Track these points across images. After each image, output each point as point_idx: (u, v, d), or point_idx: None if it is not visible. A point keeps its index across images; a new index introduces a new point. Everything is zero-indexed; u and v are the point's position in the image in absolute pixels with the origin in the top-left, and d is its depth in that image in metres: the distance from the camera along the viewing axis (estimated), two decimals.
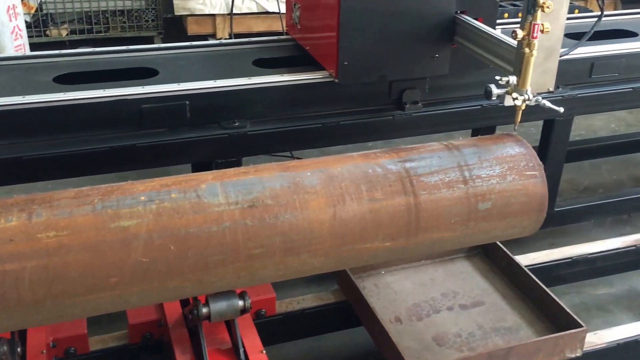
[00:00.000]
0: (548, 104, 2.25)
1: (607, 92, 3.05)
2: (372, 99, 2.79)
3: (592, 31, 2.51)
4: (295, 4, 2.96)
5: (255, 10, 5.83)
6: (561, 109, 2.28)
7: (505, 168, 2.16)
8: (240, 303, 2.14)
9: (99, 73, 2.77)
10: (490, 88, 2.19)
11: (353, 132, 2.79)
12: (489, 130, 3.35)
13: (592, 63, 3.00)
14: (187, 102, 2.56)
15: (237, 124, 2.64)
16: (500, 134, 2.32)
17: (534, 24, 2.07)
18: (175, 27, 6.19)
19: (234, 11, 5.75)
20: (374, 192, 2.04)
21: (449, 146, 2.21)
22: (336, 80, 2.62)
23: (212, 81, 2.61)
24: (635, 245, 2.92)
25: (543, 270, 2.81)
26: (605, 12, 3.53)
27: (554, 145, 3.09)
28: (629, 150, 4.07)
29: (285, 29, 3.18)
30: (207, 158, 2.68)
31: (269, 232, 1.94)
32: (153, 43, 6.15)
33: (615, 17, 3.51)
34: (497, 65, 2.42)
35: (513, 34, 2.11)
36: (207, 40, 5.90)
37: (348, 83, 2.63)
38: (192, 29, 5.85)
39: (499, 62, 2.41)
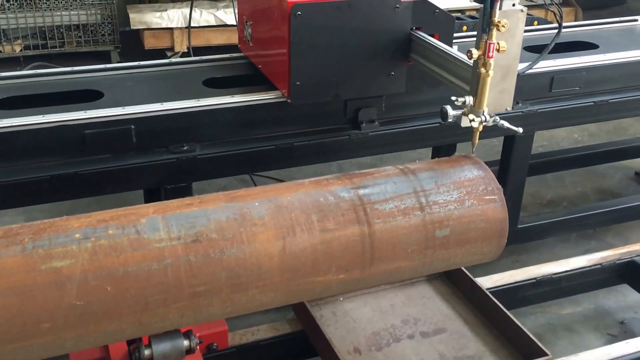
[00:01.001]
0: (506, 124, 2.18)
1: (568, 107, 3.00)
2: (327, 119, 2.70)
3: (551, 46, 2.44)
4: (246, 21, 2.85)
5: (214, 23, 5.70)
6: (520, 130, 2.21)
7: (463, 193, 2.07)
8: (186, 343, 2.02)
9: (41, 96, 2.62)
10: (446, 109, 2.11)
11: (308, 153, 2.68)
12: (450, 148, 3.29)
13: (552, 77, 2.95)
14: (133, 127, 2.43)
15: (186, 148, 2.51)
16: (458, 156, 2.23)
17: (490, 43, 1.99)
18: (132, 41, 6.03)
19: (192, 24, 5.61)
20: (325, 222, 1.93)
21: (404, 170, 2.12)
22: (288, 101, 2.51)
23: (159, 104, 2.48)
24: (600, 264, 2.87)
25: (507, 292, 2.74)
26: (565, 24, 3.50)
27: (515, 162, 3.03)
28: (592, 162, 4.04)
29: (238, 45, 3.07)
30: (155, 184, 2.56)
31: (214, 268, 1.82)
32: (110, 58, 5.99)
33: (575, 29, 3.48)
34: (453, 84, 2.35)
35: (468, 54, 2.03)
36: (166, 54, 5.78)
37: (300, 103, 2.53)
38: (150, 42, 5.70)
39: (455, 80, 2.33)
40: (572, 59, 3.00)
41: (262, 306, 1.95)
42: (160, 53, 5.82)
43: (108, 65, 2.84)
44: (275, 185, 2.05)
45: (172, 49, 5.77)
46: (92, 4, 5.73)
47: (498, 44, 2.00)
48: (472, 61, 2.08)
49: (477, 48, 2.03)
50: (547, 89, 2.97)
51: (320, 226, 1.93)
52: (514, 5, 2.07)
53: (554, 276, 2.83)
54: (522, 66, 2.51)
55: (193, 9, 5.57)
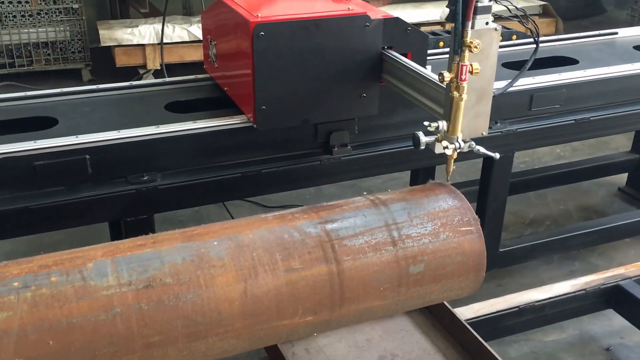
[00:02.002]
0: (482, 150, 2.06)
1: (549, 126, 2.89)
2: (296, 144, 2.56)
3: (528, 65, 2.33)
4: (210, 40, 2.72)
5: (187, 39, 5.56)
6: (497, 155, 2.09)
7: (438, 225, 1.95)
8: None
9: None
10: (418, 136, 1.98)
11: (277, 180, 2.54)
12: (429, 169, 3.18)
13: (531, 95, 2.84)
14: (88, 157, 2.28)
15: (146, 178, 2.36)
16: (433, 184, 2.11)
17: (462, 65, 1.87)
18: (103, 58, 5.87)
19: (165, 40, 5.47)
20: (290, 261, 1.80)
21: (375, 202, 1.99)
22: (254, 126, 2.38)
23: (117, 132, 2.33)
24: (585, 289, 2.74)
25: (489, 322, 2.60)
26: (544, 38, 3.40)
27: (495, 184, 2.91)
28: (575, 179, 3.94)
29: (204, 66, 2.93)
30: (114, 217, 2.41)
31: (168, 316, 1.68)
32: (81, 76, 5.82)
33: (554, 43, 3.38)
34: (426, 106, 2.22)
35: (439, 77, 1.90)
36: (138, 71, 5.63)
37: (267, 129, 2.39)
38: (121, 60, 5.54)
39: (429, 103, 2.21)
40: (552, 75, 2.89)
41: (224, 354, 1.80)
42: (132, 70, 5.67)
43: (64, 90, 2.68)
44: (235, 222, 1.91)
45: (144, 66, 5.61)
46: (61, 20, 5.56)
47: (471, 65, 1.89)
48: (444, 84, 1.96)
49: (449, 70, 1.91)
50: (526, 108, 2.86)
51: (285, 266, 1.79)
52: (487, 23, 1.95)
53: (536, 304, 2.70)
54: (498, 85, 2.39)
55: (165, 24, 5.42)
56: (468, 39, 1.84)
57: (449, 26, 6.23)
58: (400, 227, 1.91)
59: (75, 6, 5.52)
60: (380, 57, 2.41)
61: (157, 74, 5.57)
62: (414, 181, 3.53)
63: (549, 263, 3.46)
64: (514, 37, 3.81)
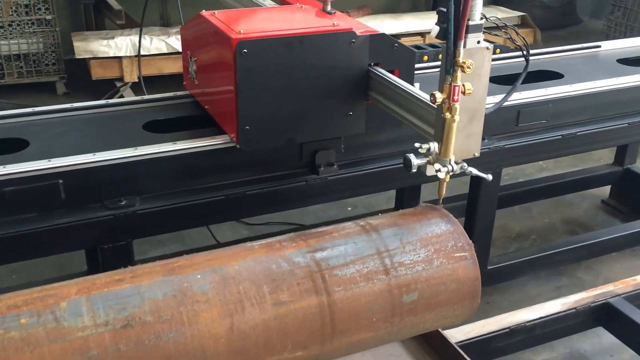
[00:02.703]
0: (475, 171, 1.99)
1: (536, 141, 2.84)
2: (281, 164, 2.47)
3: (519, 83, 2.27)
4: (190, 56, 2.62)
5: (165, 51, 5.45)
6: (489, 177, 2.03)
7: (432, 251, 1.87)
8: None
9: None
10: (409, 159, 1.91)
11: (261, 202, 2.45)
12: (415, 188, 3.11)
13: (518, 111, 2.78)
14: (61, 181, 2.16)
15: (123, 203, 2.26)
16: (424, 207, 2.03)
17: (454, 86, 1.80)
18: (78, 70, 5.71)
19: (142, 52, 5.34)
20: (279, 294, 1.70)
21: (365, 227, 1.91)
22: (237, 146, 2.28)
23: (92, 154, 2.22)
24: (575, 308, 2.69)
25: (479, 344, 2.54)
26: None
27: (483, 201, 2.85)
28: (559, 192, 3.91)
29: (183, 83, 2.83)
30: (90, 245, 2.30)
31: (149, 357, 1.57)
32: (55, 89, 5.66)
33: (538, 57, 3.33)
34: (416, 126, 2.15)
35: (431, 98, 1.83)
36: (115, 84, 5.49)
37: (250, 149, 2.30)
38: (97, 73, 5.40)
39: (418, 123, 2.14)
40: (539, 90, 2.85)
41: None
42: (108, 83, 5.53)
43: (36, 109, 2.56)
44: (220, 252, 1.81)
45: (121, 78, 5.48)
46: (34, 32, 5.41)
47: (463, 85, 1.82)
48: (436, 105, 1.88)
49: (441, 91, 1.83)
50: (513, 123, 2.80)
51: (273, 299, 1.69)
52: (478, 42, 1.88)
53: (527, 324, 2.64)
54: (487, 101, 2.33)
55: (142, 36, 5.29)
56: (461, 59, 1.77)
57: (429, 39, 6.22)
58: (393, 254, 1.83)
59: (49, 17, 5.37)
60: (366, 74, 2.33)
61: (134, 86, 5.44)
62: (399, 197, 3.46)
63: (536, 279, 3.41)
64: (498, 50, 3.77)
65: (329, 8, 2.47)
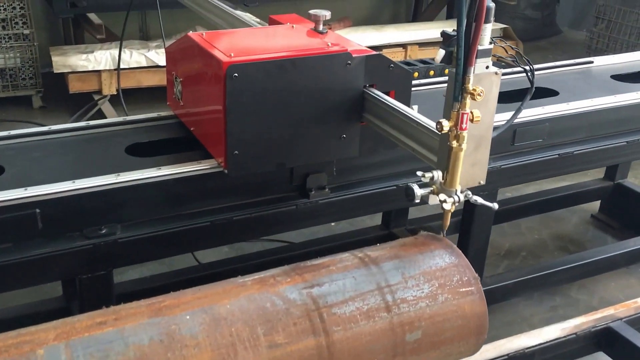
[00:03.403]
0: (480, 200, 1.90)
1: (532, 161, 2.76)
2: (270, 187, 2.36)
3: (523, 107, 2.19)
4: (176, 77, 2.50)
5: (145, 64, 5.30)
6: (495, 206, 1.94)
7: (436, 286, 1.77)
8: None
9: None
10: (412, 189, 1.81)
11: (249, 227, 2.34)
12: (403, 212, 3.02)
13: (514, 130, 2.70)
14: (38, 210, 2.03)
15: (104, 231, 2.13)
16: (425, 237, 1.93)
17: (463, 114, 1.71)
18: (56, 83, 5.53)
19: (122, 66, 5.20)
20: (274, 335, 1.59)
21: (364, 260, 1.80)
22: (225, 171, 2.17)
23: (71, 182, 2.09)
24: (575, 333, 2.62)
25: None
26: (518, 69, 3.29)
27: (477, 223, 2.77)
28: (549, 208, 3.84)
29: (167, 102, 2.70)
30: (68, 275, 2.17)
31: None
32: (31, 103, 5.48)
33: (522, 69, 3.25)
34: (416, 151, 2.06)
35: (438, 126, 1.74)
36: (93, 97, 5.34)
37: (239, 175, 2.19)
38: (75, 86, 5.23)
39: (419, 148, 2.04)
40: (535, 109, 2.77)
41: None
42: (86, 97, 5.36)
43: (12, 133, 2.41)
44: (210, 288, 1.70)
45: (100, 92, 5.32)
46: (11, 46, 5.23)
47: (472, 113, 1.72)
48: (442, 133, 1.78)
49: (448, 118, 1.74)
50: (509, 143, 2.72)
51: (268, 341, 1.58)
52: (487, 67, 1.80)
53: (527, 350, 2.56)
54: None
55: (122, 49, 5.15)
56: (470, 86, 1.68)
57: (411, 51, 6.15)
58: (395, 289, 1.73)
59: (27, 32, 5.19)
60: (361, 95, 2.24)
61: (113, 100, 5.29)
62: (386, 214, 3.37)
63: (529, 299, 3.33)
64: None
65: (320, 27, 2.37)
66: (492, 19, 1.80)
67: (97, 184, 2.10)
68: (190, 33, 2.31)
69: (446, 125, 1.72)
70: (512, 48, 2.10)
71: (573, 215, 4.10)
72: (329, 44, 2.18)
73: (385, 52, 5.99)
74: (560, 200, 3.77)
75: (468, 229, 2.82)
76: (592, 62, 3.42)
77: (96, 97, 5.30)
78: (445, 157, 1.79)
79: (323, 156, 2.29)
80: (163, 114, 2.65)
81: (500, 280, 3.04)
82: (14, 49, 5.24)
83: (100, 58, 5.18)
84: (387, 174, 2.54)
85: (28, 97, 5.47)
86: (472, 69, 1.70)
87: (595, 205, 4.06)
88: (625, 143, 2.94)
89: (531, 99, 2.93)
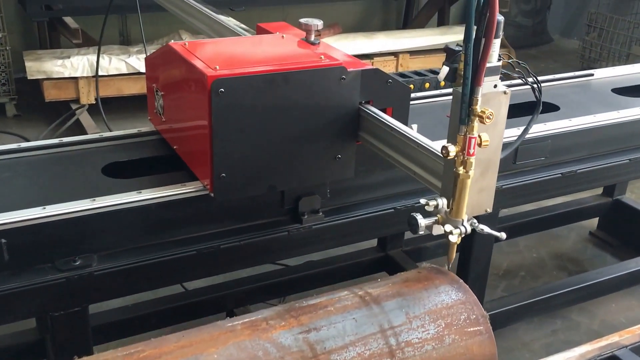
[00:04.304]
0: (487, 230, 1.75)
1: (534, 180, 2.63)
2: (260, 212, 2.20)
3: (530, 127, 2.05)
4: (157, 90, 2.32)
5: (125, 71, 5.10)
6: (503, 236, 1.79)
7: (442, 326, 1.62)
8: None
9: None
10: (416, 220, 1.65)
11: (238, 256, 2.17)
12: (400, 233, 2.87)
13: (516, 148, 2.55)
14: (4, 241, 1.84)
15: (78, 263, 1.95)
16: (430, 271, 1.78)
17: (470, 138, 1.55)
18: (31, 90, 5.31)
19: (101, 73, 4.99)
20: None
21: (365, 298, 1.64)
22: (211, 195, 2.00)
23: (41, 208, 1.90)
24: None
25: None
26: (517, 81, 3.15)
27: (477, 247, 2.63)
28: (548, 226, 3.71)
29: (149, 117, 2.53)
30: (38, 313, 1.99)
31: None
32: (4, 111, 5.26)
33: (529, 86, 3.12)
34: (416, 174, 1.91)
35: (443, 151, 1.58)
36: (70, 106, 5.12)
37: (226, 199, 2.02)
38: (51, 94, 5.02)
39: (419, 171, 1.89)
40: (537, 125, 2.63)
41: None
42: (63, 105, 5.15)
43: None
44: (195, 335, 1.52)
45: (77, 100, 5.11)
46: None
47: (479, 137, 1.57)
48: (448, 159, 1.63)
49: (454, 142, 1.59)
50: (511, 161, 2.58)
51: None
52: (495, 86, 1.65)
53: None
54: None
55: (101, 55, 4.95)
56: (478, 108, 1.53)
57: (403, 59, 6.01)
58: (398, 332, 1.57)
59: None
60: (357, 113, 2.08)
61: (92, 109, 5.08)
62: (381, 240, 3.23)
63: (529, 322, 3.19)
64: None
65: (312, 38, 2.21)
66: (501, 33, 1.66)
67: (70, 210, 1.91)
68: (172, 42, 2.14)
69: (452, 150, 1.57)
70: (519, 63, 1.95)
71: (571, 233, 3.98)
72: (322, 57, 2.02)
73: (376, 60, 5.86)
74: (558, 218, 3.65)
75: (468, 254, 2.67)
76: (592, 75, 3.30)
77: (74, 106, 5.09)
78: (450, 184, 1.63)
79: (316, 178, 2.13)
80: (144, 129, 2.48)
81: (501, 305, 2.90)
82: None
83: (77, 64, 4.98)
84: (385, 196, 2.39)
85: (1, 104, 5.25)
86: (480, 89, 1.55)
87: (594, 222, 3.94)
88: (628, 161, 2.82)
89: (532, 114, 2.83)
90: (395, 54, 5.96)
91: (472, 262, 2.66)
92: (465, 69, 1.51)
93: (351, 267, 3.17)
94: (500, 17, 1.58)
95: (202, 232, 2.13)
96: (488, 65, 1.56)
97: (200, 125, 1.95)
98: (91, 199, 1.96)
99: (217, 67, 1.88)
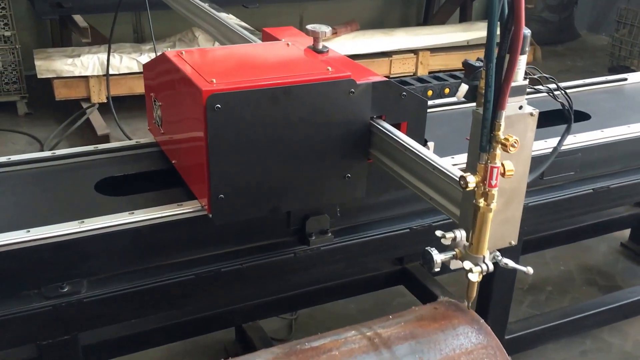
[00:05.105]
0: (512, 264, 1.57)
1: (564, 197, 2.43)
2: (264, 233, 2.04)
3: (559, 148, 1.87)
4: (155, 100, 2.17)
5: (136, 70, 4.97)
6: (530, 271, 1.60)
7: None
8: None
9: None
10: (431, 255, 1.48)
11: (240, 281, 2.02)
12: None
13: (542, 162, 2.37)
14: None
15: (66, 290, 1.81)
16: (447, 307, 1.60)
17: (492, 167, 1.37)
18: (42, 88, 5.20)
19: (111, 71, 4.87)
20: None
21: (374, 341, 1.47)
22: (210, 216, 1.84)
23: (25, 231, 1.76)
24: None
25: None
26: (542, 87, 2.96)
27: (500, 275, 2.43)
28: (577, 238, 3.50)
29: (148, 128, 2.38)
30: (25, 342, 1.87)
31: None
32: (16, 109, 5.17)
33: (558, 92, 2.91)
34: (432, 199, 1.73)
35: (462, 182, 1.41)
36: (81, 105, 5.02)
37: (225, 222, 1.86)
38: (61, 93, 4.92)
39: (435, 195, 1.71)
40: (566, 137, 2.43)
41: None
42: (74, 104, 5.05)
43: None
44: None
45: (88, 99, 5.00)
46: None
47: (503, 166, 1.39)
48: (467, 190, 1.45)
49: (473, 172, 1.41)
50: (538, 177, 2.38)
51: None
52: (520, 108, 1.47)
53: None
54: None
55: (112, 53, 4.83)
56: (502, 134, 1.35)
57: (423, 57, 5.79)
58: None
59: (8, 34, 4.88)
60: (368, 128, 1.90)
61: (103, 108, 4.97)
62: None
63: (556, 342, 2.99)
64: None
65: (320, 46, 2.04)
66: (527, 48, 1.48)
67: (56, 234, 1.77)
68: (167, 51, 1.98)
69: (472, 181, 1.39)
70: (548, 78, 1.77)
71: (601, 244, 3.76)
72: (330, 69, 1.84)
73: (395, 58, 5.66)
74: (588, 230, 3.43)
75: (489, 289, 2.48)
76: (625, 80, 3.08)
77: (85, 105, 4.98)
78: (470, 215, 1.46)
79: (323, 199, 1.96)
80: (142, 141, 2.33)
81: (527, 327, 2.72)
82: None
83: (87, 63, 4.87)
84: (399, 214, 2.21)
85: (12, 103, 5.16)
86: (503, 113, 1.37)
87: (625, 232, 3.72)
88: None
89: (561, 123, 2.62)
90: (415, 51, 5.76)
91: (495, 281, 2.47)
92: (486, 90, 1.33)
93: (366, 280, 2.99)
94: (526, 31, 1.40)
95: (201, 254, 1.98)
96: (513, 84, 1.38)
97: (197, 142, 1.79)
98: (80, 220, 1.82)
99: (214, 80, 1.72)
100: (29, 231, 1.77)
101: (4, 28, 4.86)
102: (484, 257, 1.47)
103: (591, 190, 2.47)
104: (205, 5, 2.99)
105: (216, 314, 2.73)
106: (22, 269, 1.77)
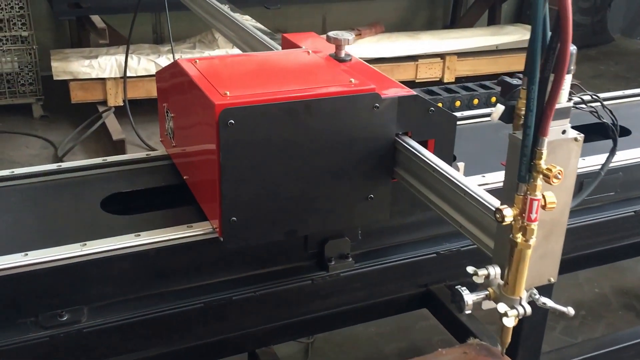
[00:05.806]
0: (551, 304, 1.41)
1: (603, 220, 2.26)
2: (279, 257, 1.90)
3: (602, 174, 1.70)
4: (167, 111, 2.04)
5: (154, 72, 4.86)
6: (571, 311, 1.44)
7: None
8: None
9: None
10: (461, 295, 1.32)
11: (253, 310, 1.88)
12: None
13: (580, 182, 2.19)
14: None
15: (65, 318, 1.69)
16: (478, 351, 1.46)
17: (532, 200, 1.22)
18: (58, 90, 5.11)
19: (129, 74, 4.78)
20: None
21: None
22: (221, 239, 1.70)
23: (22, 255, 1.64)
24: None
25: None
26: (576, 98, 2.77)
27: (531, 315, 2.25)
28: (613, 259, 3.29)
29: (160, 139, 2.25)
30: None
31: None
32: (31, 111, 5.09)
33: (594, 104, 2.73)
34: (462, 227, 1.57)
35: (498, 216, 1.25)
36: (97, 108, 4.93)
37: (237, 246, 1.72)
38: (77, 95, 4.83)
39: (466, 224, 1.55)
40: (605, 155, 2.24)
41: None
42: (90, 107, 4.96)
43: None
44: None
45: (105, 102, 4.91)
46: (9, 49, 4.84)
47: (544, 197, 1.23)
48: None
49: (511, 204, 1.25)
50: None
51: None
52: (563, 132, 1.31)
53: None
54: None
55: (130, 55, 4.74)
56: (543, 164, 1.19)
57: (450, 61, 5.60)
58: None
59: (25, 34, 4.80)
60: (393, 146, 1.75)
61: (119, 111, 4.87)
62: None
63: None
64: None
65: (343, 54, 1.89)
66: (573, 67, 1.32)
67: (55, 258, 1.65)
68: (180, 59, 1.85)
69: (509, 215, 1.24)
70: (593, 97, 1.60)
71: (638, 265, 3.56)
72: (352, 81, 1.69)
73: (421, 63, 5.49)
74: (625, 249, 3.21)
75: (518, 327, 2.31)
76: None
77: (101, 109, 4.89)
78: (505, 252, 1.30)
79: (344, 222, 1.82)
80: (153, 154, 2.20)
81: (559, 357, 2.53)
82: (11, 52, 4.85)
83: (105, 64, 4.77)
84: (426, 237, 2.06)
85: (28, 105, 5.08)
86: (545, 140, 1.21)
87: None
88: None
89: (599, 139, 2.45)
90: (441, 55, 5.58)
91: (523, 330, 2.29)
92: (526, 115, 1.18)
93: (388, 303, 2.82)
94: (573, 48, 1.24)
95: (211, 280, 1.84)
96: (557, 106, 1.22)
97: (208, 160, 1.66)
98: (82, 243, 1.69)
99: (228, 93, 1.58)
100: (26, 254, 1.64)
101: (21, 28, 4.78)
102: (520, 299, 1.31)
103: (633, 213, 2.30)
104: (225, 8, 2.87)
105: (226, 338, 2.59)
106: (18, 295, 1.65)
